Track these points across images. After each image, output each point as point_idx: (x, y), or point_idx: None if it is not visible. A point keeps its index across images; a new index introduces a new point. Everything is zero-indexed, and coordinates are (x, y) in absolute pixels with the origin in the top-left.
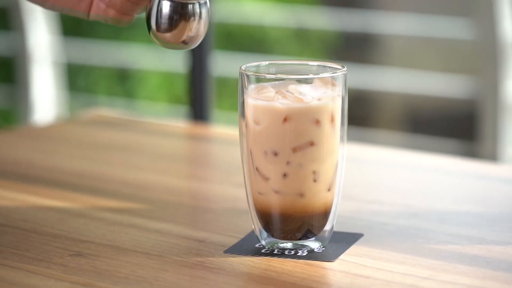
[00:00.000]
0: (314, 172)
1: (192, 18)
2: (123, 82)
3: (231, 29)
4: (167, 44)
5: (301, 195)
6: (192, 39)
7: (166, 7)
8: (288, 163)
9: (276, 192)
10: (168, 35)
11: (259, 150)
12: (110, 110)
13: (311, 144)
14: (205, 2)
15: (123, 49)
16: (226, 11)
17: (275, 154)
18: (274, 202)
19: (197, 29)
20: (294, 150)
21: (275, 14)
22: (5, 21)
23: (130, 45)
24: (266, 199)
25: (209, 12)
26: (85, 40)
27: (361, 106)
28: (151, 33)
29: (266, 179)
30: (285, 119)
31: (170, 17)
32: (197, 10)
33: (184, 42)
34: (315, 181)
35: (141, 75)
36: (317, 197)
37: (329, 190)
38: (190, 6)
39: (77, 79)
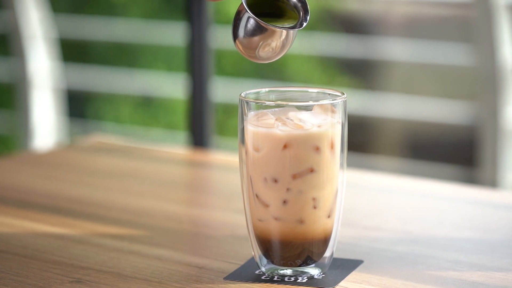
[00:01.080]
0: (314, 199)
1: (270, 40)
2: (123, 108)
3: (233, 55)
4: (246, 54)
5: (301, 221)
6: (269, 56)
7: (251, 25)
8: (288, 189)
9: (276, 218)
10: (246, 47)
11: (259, 177)
12: (110, 136)
13: (311, 170)
14: (287, 30)
15: (123, 75)
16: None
17: (275, 180)
18: (274, 228)
19: (274, 48)
20: (294, 176)
21: None
22: (5, 47)
23: (131, 71)
24: (266, 226)
25: (291, 38)
26: (85, 66)
27: (361, 132)
28: (236, 42)
29: (266, 205)
30: (285, 146)
31: (251, 34)
32: (278, 35)
33: (261, 57)
34: (315, 207)
35: (142, 101)
36: (317, 224)
37: (329, 216)
38: (271, 30)
39: (77, 105)
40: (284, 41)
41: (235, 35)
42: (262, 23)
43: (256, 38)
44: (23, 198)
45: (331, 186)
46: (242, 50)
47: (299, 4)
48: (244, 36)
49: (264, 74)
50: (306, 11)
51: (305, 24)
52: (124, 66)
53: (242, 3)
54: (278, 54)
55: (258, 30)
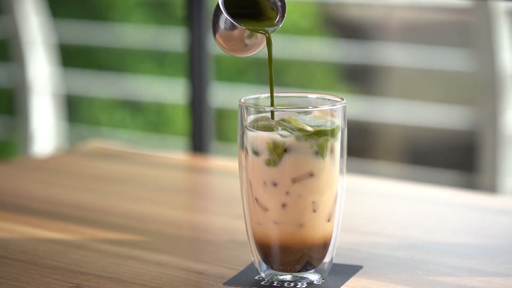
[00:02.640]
0: (313, 202)
1: (246, 34)
2: (123, 113)
3: (233, 60)
4: (228, 48)
5: (301, 225)
6: (244, 51)
7: (227, 24)
8: (287, 193)
9: (275, 222)
10: (226, 40)
11: (259, 181)
12: (109, 141)
13: (311, 175)
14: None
15: (123, 80)
16: None
17: (274, 184)
18: (273, 233)
19: (248, 45)
20: (294, 180)
21: (276, 45)
22: (4, 52)
23: (131, 76)
24: (265, 230)
25: (263, 40)
26: (84, 71)
27: (360, 138)
28: (216, 37)
29: (265, 209)
30: (284, 150)
31: (230, 28)
32: (247, 33)
33: (234, 50)
34: (314, 211)
35: (141, 106)
36: (316, 228)
37: (328, 220)
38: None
39: (76, 110)
40: (259, 37)
41: (214, 31)
42: (237, 24)
43: (235, 32)
44: (23, 203)
45: (330, 191)
46: (223, 44)
47: (279, 3)
48: (224, 29)
49: (263, 79)
50: (283, 12)
51: (279, 26)
52: (123, 72)
53: (218, 2)
54: (258, 47)
55: (234, 26)
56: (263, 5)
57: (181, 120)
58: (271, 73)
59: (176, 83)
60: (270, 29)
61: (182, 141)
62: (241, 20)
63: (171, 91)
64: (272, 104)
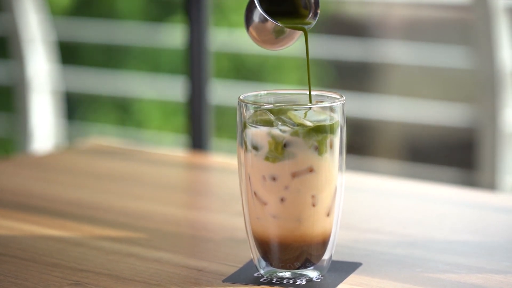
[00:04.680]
0: (313, 197)
1: (275, 33)
2: (122, 111)
3: (229, 58)
4: (260, 40)
5: (300, 221)
6: (274, 43)
7: (261, 17)
8: (286, 188)
9: (274, 217)
10: (261, 31)
11: (258, 175)
12: (109, 139)
13: (310, 170)
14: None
15: (122, 78)
16: (227, 40)
17: (274, 179)
18: (272, 228)
19: (278, 38)
20: (293, 175)
21: None
22: (4, 50)
23: (129, 74)
24: (264, 225)
25: (296, 35)
26: (84, 68)
27: (360, 135)
28: (249, 30)
29: (264, 203)
30: (284, 145)
31: (264, 20)
32: (279, 28)
33: (266, 42)
34: (313, 205)
35: (140, 104)
36: (315, 224)
37: (328, 215)
38: (280, 26)
39: (76, 108)
40: (288, 31)
41: (248, 25)
42: (273, 21)
43: (268, 24)
44: (22, 201)
45: (329, 187)
46: (256, 36)
47: (312, 1)
48: (257, 22)
49: (255, 78)
50: (316, 10)
51: (313, 23)
52: (123, 69)
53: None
54: (288, 41)
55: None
56: (296, 3)
57: (180, 118)
58: (308, 69)
59: (176, 80)
60: (305, 27)
61: (182, 138)
62: (273, 17)
63: (172, 88)
64: (309, 98)
